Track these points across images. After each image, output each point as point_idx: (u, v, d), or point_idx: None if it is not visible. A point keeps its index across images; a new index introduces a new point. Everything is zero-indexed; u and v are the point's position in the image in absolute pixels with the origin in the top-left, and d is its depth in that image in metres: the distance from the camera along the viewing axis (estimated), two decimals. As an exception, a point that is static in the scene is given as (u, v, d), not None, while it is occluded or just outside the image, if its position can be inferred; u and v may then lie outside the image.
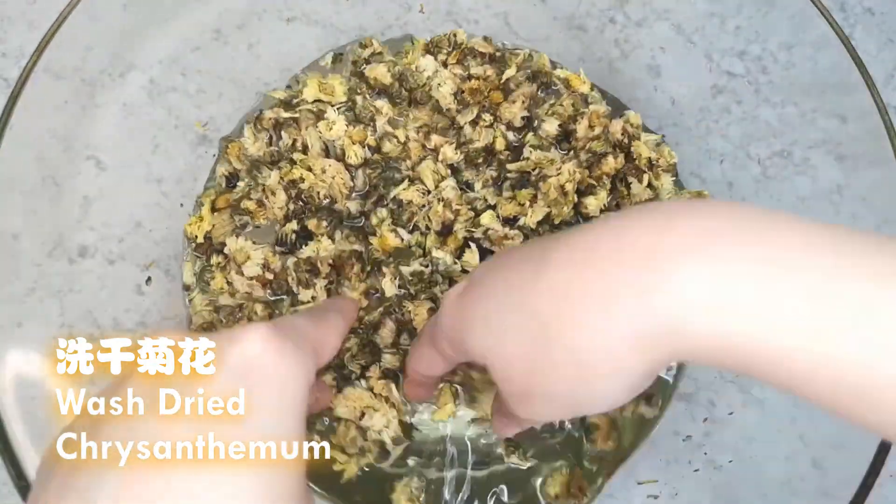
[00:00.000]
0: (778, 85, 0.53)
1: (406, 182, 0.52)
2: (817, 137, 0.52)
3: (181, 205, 0.54)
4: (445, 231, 0.51)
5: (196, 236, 0.52)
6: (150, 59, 0.57)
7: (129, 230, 0.53)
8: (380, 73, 0.54)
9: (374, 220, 0.51)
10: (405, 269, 0.50)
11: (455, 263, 0.50)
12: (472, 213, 0.51)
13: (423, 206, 0.51)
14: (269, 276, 0.50)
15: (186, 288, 0.52)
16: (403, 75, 0.54)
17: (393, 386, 0.49)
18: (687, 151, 0.56)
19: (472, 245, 0.50)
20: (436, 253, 0.50)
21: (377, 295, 0.50)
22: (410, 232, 0.51)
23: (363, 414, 0.48)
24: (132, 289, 0.52)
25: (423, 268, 0.50)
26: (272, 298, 0.51)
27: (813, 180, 0.53)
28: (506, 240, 0.50)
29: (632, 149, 0.53)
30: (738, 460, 0.50)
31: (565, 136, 0.54)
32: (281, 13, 0.58)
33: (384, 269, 0.50)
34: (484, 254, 0.51)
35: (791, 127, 0.53)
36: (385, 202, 0.52)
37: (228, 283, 0.51)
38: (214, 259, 0.51)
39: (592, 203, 0.52)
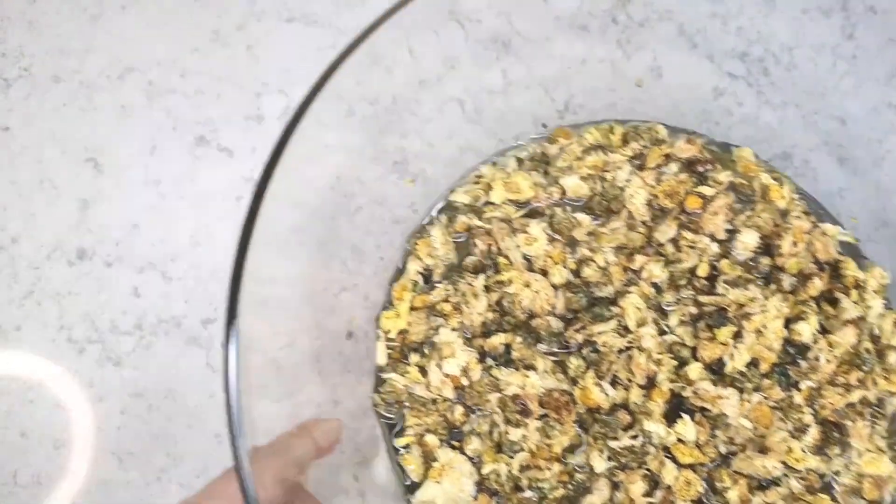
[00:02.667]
0: (779, 87, 0.52)
1: (611, 322, 0.49)
2: (818, 139, 0.52)
3: (179, 205, 0.54)
4: (648, 383, 0.48)
5: (389, 330, 0.50)
6: (148, 61, 0.57)
7: (126, 232, 0.53)
8: (581, 190, 0.52)
9: (571, 367, 0.49)
10: (615, 444, 0.47)
11: (668, 434, 0.47)
12: (674, 362, 0.48)
13: (622, 350, 0.49)
14: (465, 382, 0.48)
15: (380, 369, 0.50)
16: (603, 187, 0.52)
17: None
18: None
19: (686, 416, 0.47)
20: (647, 425, 0.47)
21: (585, 468, 0.47)
22: (613, 385, 0.48)
23: None
24: (129, 291, 0.52)
25: (632, 441, 0.47)
26: (470, 405, 0.49)
27: (814, 182, 0.53)
28: (719, 399, 0.47)
29: (840, 268, 0.50)
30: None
31: (764, 250, 0.51)
32: (280, 14, 0.58)
33: (591, 443, 0.47)
34: (693, 415, 0.47)
35: (792, 129, 0.52)
36: (585, 330, 0.49)
37: (423, 374, 0.49)
38: (413, 358, 0.50)
39: (805, 330, 0.48)
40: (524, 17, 0.57)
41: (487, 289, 0.50)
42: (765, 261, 0.50)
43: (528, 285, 0.49)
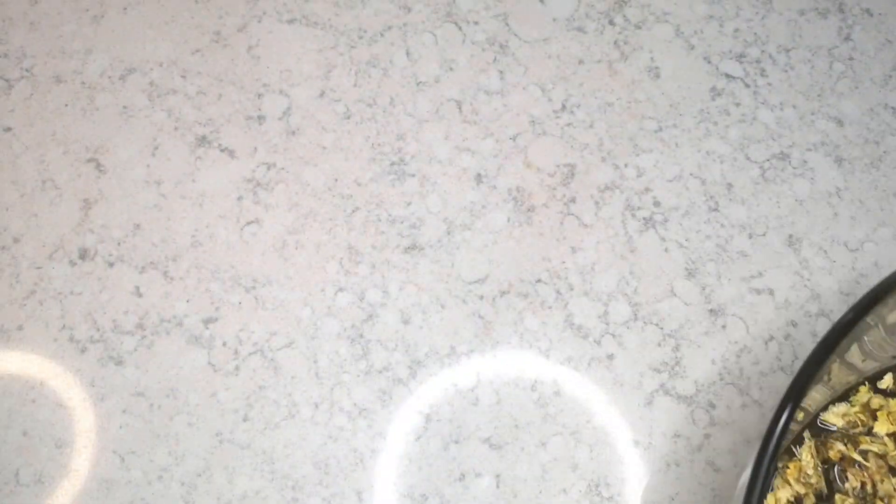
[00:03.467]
0: (776, 87, 0.52)
1: None
2: (815, 140, 0.52)
3: (180, 205, 0.55)
4: None
5: None
6: (150, 62, 0.57)
7: (128, 232, 0.53)
8: None
9: None
10: None
11: None
12: None
13: None
14: None
15: None
16: None
17: None
18: (687, 153, 0.55)
19: None
20: None
21: None
22: None
23: None
24: (131, 291, 0.52)
25: None
26: None
27: (811, 182, 0.53)
28: None
29: None
30: (739, 464, 0.50)
31: None
32: (280, 15, 0.59)
33: None
34: None
35: (789, 129, 0.53)
36: None
37: None
38: None
39: None
40: (521, 18, 0.57)
41: None
42: None
43: None
